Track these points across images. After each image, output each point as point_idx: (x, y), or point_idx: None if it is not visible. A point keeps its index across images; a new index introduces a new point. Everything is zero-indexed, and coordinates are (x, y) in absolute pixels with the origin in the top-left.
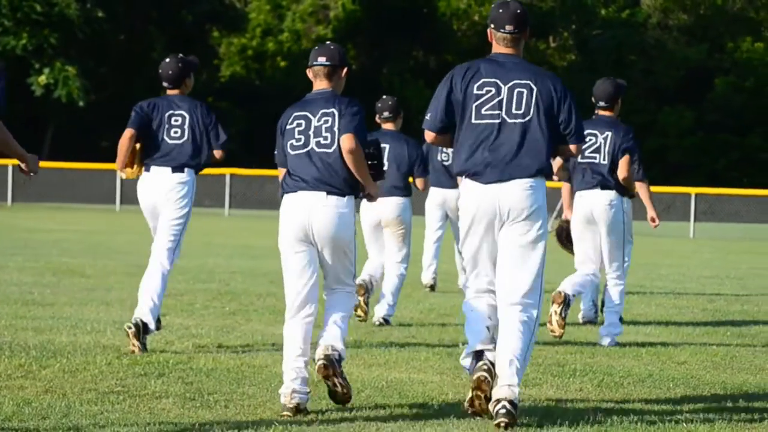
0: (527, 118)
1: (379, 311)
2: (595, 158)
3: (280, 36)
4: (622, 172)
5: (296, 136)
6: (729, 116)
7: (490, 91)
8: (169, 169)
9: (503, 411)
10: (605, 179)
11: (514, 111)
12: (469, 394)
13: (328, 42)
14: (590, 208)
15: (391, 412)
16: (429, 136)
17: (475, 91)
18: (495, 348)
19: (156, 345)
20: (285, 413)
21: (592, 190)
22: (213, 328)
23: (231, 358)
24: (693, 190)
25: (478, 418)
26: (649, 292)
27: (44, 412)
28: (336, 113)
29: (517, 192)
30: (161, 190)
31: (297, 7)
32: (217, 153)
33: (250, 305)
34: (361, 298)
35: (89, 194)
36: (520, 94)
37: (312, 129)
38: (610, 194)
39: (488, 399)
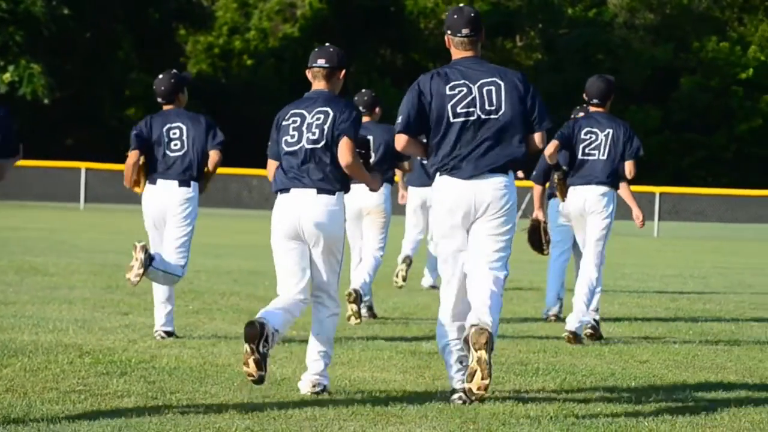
0: (500, 114)
1: (354, 283)
2: (594, 155)
3: (246, 34)
4: (630, 174)
5: (290, 132)
6: (694, 115)
7: (462, 90)
8: (176, 183)
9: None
10: (602, 175)
11: (487, 107)
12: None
13: (327, 44)
14: (583, 202)
15: (353, 411)
16: (402, 139)
17: (447, 92)
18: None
19: (118, 344)
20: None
21: (587, 186)
22: (176, 327)
23: (194, 357)
24: (657, 189)
25: (459, 402)
26: (612, 290)
27: (5, 411)
28: (330, 113)
29: (492, 188)
30: (168, 203)
31: (264, 5)
32: (214, 154)
33: (214, 304)
34: (354, 306)
35: (53, 192)
36: (490, 91)
37: (305, 125)
38: (604, 189)
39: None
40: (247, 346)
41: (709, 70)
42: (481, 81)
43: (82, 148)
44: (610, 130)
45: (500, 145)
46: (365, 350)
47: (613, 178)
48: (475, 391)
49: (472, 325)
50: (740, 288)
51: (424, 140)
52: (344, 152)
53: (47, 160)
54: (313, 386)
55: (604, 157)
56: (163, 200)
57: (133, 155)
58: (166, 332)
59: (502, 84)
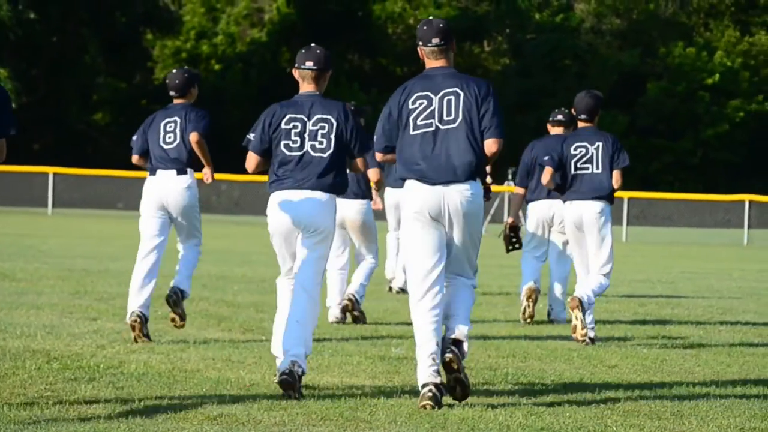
0: (457, 123)
1: (350, 289)
2: (588, 168)
3: (214, 39)
4: (617, 183)
5: (292, 137)
6: (661, 121)
7: (423, 103)
8: (174, 172)
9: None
10: (598, 189)
11: (445, 118)
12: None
13: (314, 45)
14: (580, 217)
15: (322, 417)
16: (378, 156)
17: (410, 106)
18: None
19: (86, 349)
20: (283, 377)
21: (583, 201)
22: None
23: (162, 363)
24: (625, 194)
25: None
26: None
27: None
28: (334, 122)
29: (458, 195)
30: (169, 192)
31: (231, 9)
32: (193, 136)
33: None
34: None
35: (21, 197)
36: (449, 101)
37: (307, 132)
38: (601, 204)
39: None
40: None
41: (676, 76)
42: (444, 91)
43: (49, 152)
44: (600, 143)
45: (458, 152)
46: (334, 356)
47: (610, 191)
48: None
49: (448, 348)
50: (708, 293)
51: None
52: (369, 172)
53: (14, 165)
54: (293, 364)
55: (599, 171)
56: (164, 188)
57: (134, 158)
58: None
59: (461, 94)
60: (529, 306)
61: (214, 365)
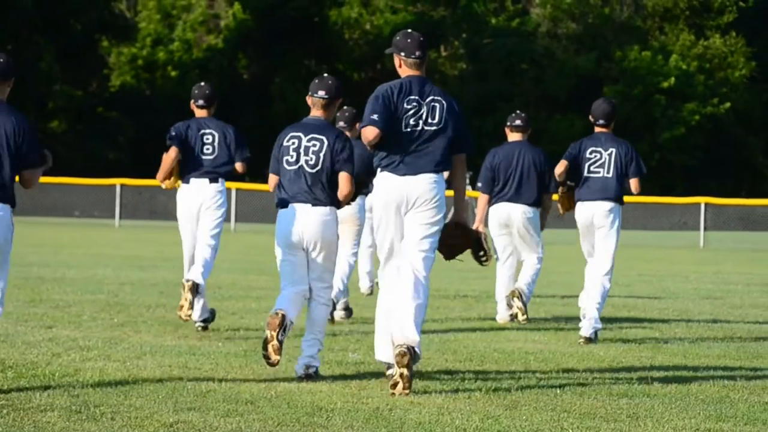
0: (440, 126)
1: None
2: (599, 172)
3: (170, 45)
4: (635, 190)
5: (290, 153)
6: (618, 124)
7: (414, 105)
8: (206, 180)
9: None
10: (609, 192)
11: (430, 120)
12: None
13: (326, 76)
14: (591, 217)
15: (279, 422)
16: (373, 132)
17: (405, 106)
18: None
19: (42, 357)
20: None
21: (595, 202)
22: (101, 340)
23: (118, 370)
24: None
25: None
26: (538, 297)
27: None
28: (325, 142)
29: (423, 184)
30: (202, 198)
31: (188, 16)
32: (239, 166)
33: (139, 317)
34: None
35: None
36: (434, 108)
37: (302, 148)
38: (610, 205)
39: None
40: (268, 333)
41: (632, 79)
42: (431, 97)
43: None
44: (613, 150)
45: (432, 149)
46: (291, 361)
47: (618, 194)
48: (397, 396)
49: (398, 345)
50: (664, 295)
51: None
52: (343, 185)
53: None
54: (307, 368)
55: (609, 175)
56: (198, 195)
57: (173, 151)
58: (204, 321)
59: (445, 103)
60: (512, 307)
61: (170, 372)
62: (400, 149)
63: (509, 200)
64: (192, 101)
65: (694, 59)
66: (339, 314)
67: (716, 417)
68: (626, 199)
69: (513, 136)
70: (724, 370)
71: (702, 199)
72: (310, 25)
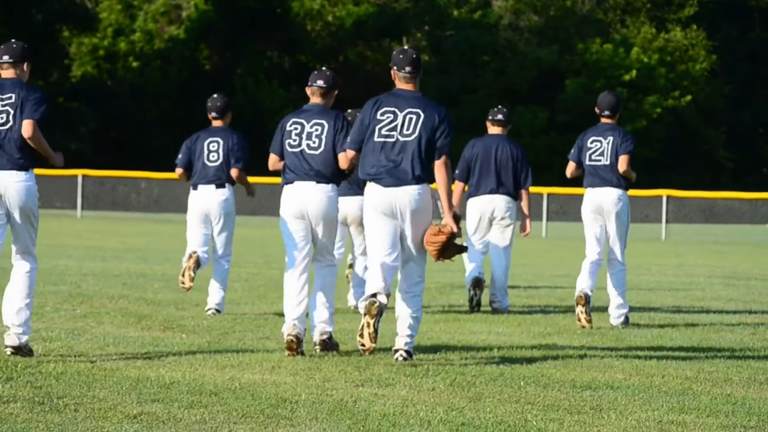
0: (413, 137)
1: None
2: (600, 161)
3: (132, 36)
4: (621, 167)
5: (293, 137)
6: (580, 117)
7: (389, 117)
8: (213, 186)
9: (400, 358)
10: (610, 178)
11: (405, 132)
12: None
13: (324, 68)
14: (600, 203)
15: (243, 414)
16: (350, 154)
17: (378, 117)
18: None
19: (4, 348)
20: (289, 337)
21: (602, 188)
22: (63, 331)
23: (81, 362)
24: (545, 190)
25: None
26: None
27: None
28: (326, 125)
29: (407, 196)
30: (210, 203)
31: (149, 7)
32: (233, 172)
33: (102, 308)
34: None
35: None
36: (410, 119)
37: (305, 133)
38: (618, 191)
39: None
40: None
41: (594, 72)
42: (408, 110)
43: None
44: (611, 137)
45: (411, 160)
46: (255, 353)
47: (618, 178)
48: (362, 347)
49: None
50: (627, 287)
51: None
52: (342, 162)
53: None
54: (322, 334)
55: (607, 162)
56: (206, 201)
57: (179, 171)
58: (217, 310)
59: (423, 115)
60: (476, 294)
61: (133, 363)
62: (377, 159)
63: (490, 192)
64: (208, 113)
65: (655, 52)
66: (352, 303)
67: (679, 409)
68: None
69: (493, 130)
70: (687, 362)
71: (664, 192)
72: (272, 16)
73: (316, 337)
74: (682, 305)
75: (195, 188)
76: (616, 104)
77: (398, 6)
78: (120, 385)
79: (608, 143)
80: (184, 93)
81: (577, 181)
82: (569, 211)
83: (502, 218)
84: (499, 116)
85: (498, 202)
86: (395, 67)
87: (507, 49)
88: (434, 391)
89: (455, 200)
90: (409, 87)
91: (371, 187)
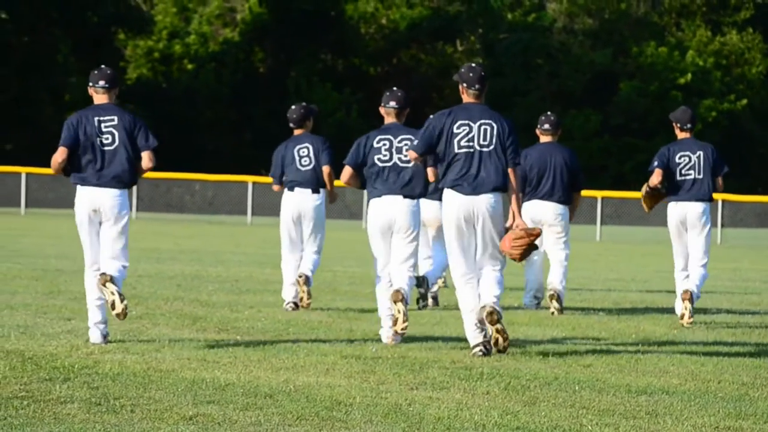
0: (491, 147)
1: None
2: (690, 174)
3: (186, 39)
4: (720, 189)
5: (383, 152)
6: (634, 120)
7: (465, 129)
8: (309, 191)
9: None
10: (700, 193)
11: (482, 142)
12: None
13: (396, 89)
14: (685, 215)
15: (298, 416)
16: (412, 155)
17: (454, 130)
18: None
19: (61, 349)
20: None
21: (688, 202)
22: (119, 332)
23: (137, 363)
24: (599, 194)
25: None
26: None
27: None
28: (414, 140)
29: (486, 203)
30: (304, 207)
31: (204, 9)
32: (325, 168)
33: (157, 309)
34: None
35: None
36: (485, 130)
37: (394, 148)
38: (705, 205)
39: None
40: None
41: (648, 75)
42: (481, 121)
43: (22, 152)
44: (701, 152)
45: (489, 169)
46: (309, 355)
47: (709, 194)
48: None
49: (482, 307)
50: None
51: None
52: (430, 176)
53: None
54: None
55: (701, 176)
56: (300, 204)
57: (274, 183)
58: (295, 303)
59: (495, 126)
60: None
61: (189, 365)
62: (458, 169)
63: (541, 198)
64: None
65: (710, 55)
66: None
67: (736, 415)
68: (642, 195)
69: (544, 138)
70: (744, 367)
71: (719, 196)
72: (326, 19)
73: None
74: (738, 310)
75: (291, 190)
76: (695, 118)
77: (452, 9)
78: (176, 386)
79: (698, 158)
80: (238, 95)
81: (630, 185)
82: (623, 215)
83: (552, 225)
84: (546, 125)
85: (548, 209)
86: (465, 84)
87: (560, 52)
88: (489, 394)
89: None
90: (477, 101)
91: (451, 195)
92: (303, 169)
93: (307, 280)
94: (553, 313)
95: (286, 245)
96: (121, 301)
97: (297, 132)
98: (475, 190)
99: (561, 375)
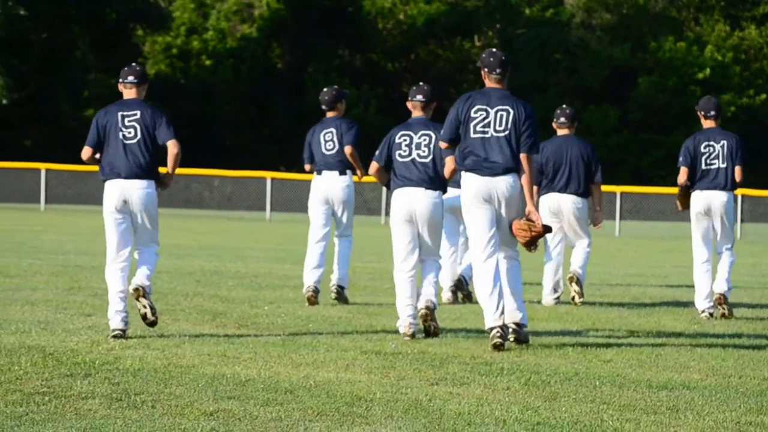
0: (506, 133)
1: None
2: (714, 164)
3: (204, 34)
4: (739, 177)
5: (403, 148)
6: (653, 115)
7: (482, 114)
8: (336, 173)
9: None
10: (724, 182)
11: (497, 128)
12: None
13: (422, 83)
14: (709, 205)
15: (319, 412)
16: (443, 144)
17: (472, 114)
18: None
19: (82, 345)
20: (406, 338)
21: (713, 191)
22: (140, 328)
23: (158, 358)
24: (618, 189)
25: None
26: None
27: None
28: (432, 135)
29: (504, 184)
30: (334, 188)
31: (221, 5)
32: (347, 149)
33: (177, 305)
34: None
35: (13, 193)
36: (502, 116)
37: (414, 144)
38: (729, 194)
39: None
40: (426, 325)
41: (667, 70)
42: (498, 107)
43: (41, 148)
44: (725, 141)
45: (504, 154)
46: (330, 351)
47: (732, 183)
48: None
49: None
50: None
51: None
52: (448, 167)
53: (6, 161)
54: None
55: (724, 165)
56: (329, 187)
57: (307, 167)
58: (340, 287)
59: (512, 111)
60: (573, 290)
61: (209, 361)
62: (474, 153)
63: (559, 191)
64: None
65: (729, 50)
66: (446, 295)
67: (757, 410)
68: (663, 190)
69: (560, 131)
70: (765, 362)
71: (738, 191)
72: (344, 14)
73: (422, 304)
74: (757, 305)
75: (319, 173)
76: (719, 107)
77: (470, 4)
78: (196, 382)
79: (723, 147)
80: (256, 91)
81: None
82: (642, 210)
83: (570, 217)
84: (562, 119)
85: (566, 201)
86: (486, 69)
87: (579, 47)
88: (509, 390)
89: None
90: (498, 86)
91: (469, 177)
92: (328, 152)
93: (339, 292)
94: (573, 297)
95: (313, 228)
96: (153, 314)
97: (329, 114)
98: (491, 173)
99: (581, 370)
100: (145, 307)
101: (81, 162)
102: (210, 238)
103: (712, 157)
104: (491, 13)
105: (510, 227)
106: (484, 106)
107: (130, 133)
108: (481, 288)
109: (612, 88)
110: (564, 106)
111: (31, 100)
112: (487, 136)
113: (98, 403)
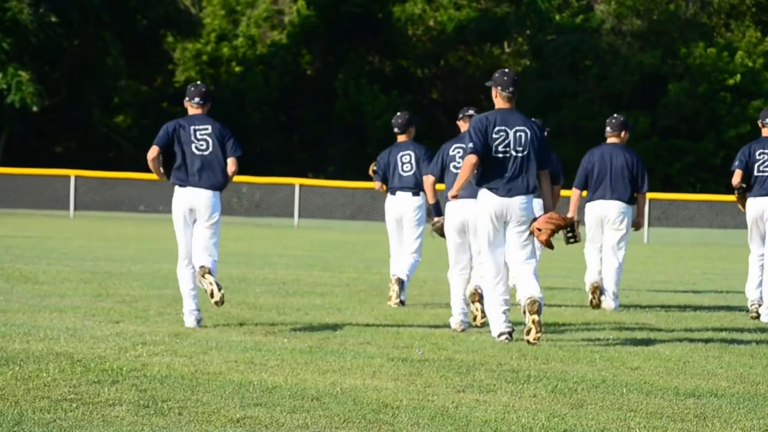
0: (525, 152)
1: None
2: (767, 172)
3: (234, 41)
4: None
5: (457, 160)
6: (683, 121)
7: (503, 135)
8: (409, 194)
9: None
10: None
11: (517, 148)
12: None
13: (471, 108)
14: (762, 211)
15: (345, 419)
16: (473, 158)
17: (493, 135)
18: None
19: (110, 352)
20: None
21: (765, 197)
22: (167, 335)
23: (185, 365)
24: (647, 195)
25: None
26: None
27: None
28: (528, 131)
29: (518, 204)
30: (405, 209)
31: (252, 12)
32: (425, 178)
33: (204, 312)
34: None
35: (43, 200)
36: (520, 136)
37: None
38: None
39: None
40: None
41: (697, 76)
42: (516, 127)
43: (71, 155)
44: None
45: (524, 173)
46: (356, 358)
47: None
48: (532, 340)
49: (527, 298)
50: (730, 294)
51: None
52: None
53: (36, 168)
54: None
55: None
56: (402, 207)
57: (377, 184)
58: (402, 301)
59: (529, 132)
60: (595, 298)
61: (236, 367)
62: (494, 172)
63: (603, 198)
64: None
65: (760, 56)
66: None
67: None
68: (692, 197)
69: (610, 139)
70: None
71: None
72: (373, 21)
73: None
74: None
75: (393, 194)
76: None
77: (500, 10)
78: (223, 389)
79: None
80: (286, 98)
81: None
82: (671, 217)
83: (614, 222)
84: (608, 128)
85: (611, 207)
86: (499, 87)
87: (609, 53)
88: (536, 397)
89: (572, 207)
90: (510, 106)
91: (486, 194)
92: (405, 174)
93: (399, 282)
94: (591, 301)
95: (393, 245)
96: (219, 290)
97: (400, 138)
98: (508, 193)
99: (608, 377)
100: (211, 284)
101: (110, 168)
102: (238, 244)
103: (765, 164)
104: (521, 19)
105: (523, 237)
106: (503, 127)
107: (202, 145)
108: (492, 301)
109: (642, 94)
110: (615, 115)
111: (63, 107)
112: (508, 155)
113: (125, 409)
